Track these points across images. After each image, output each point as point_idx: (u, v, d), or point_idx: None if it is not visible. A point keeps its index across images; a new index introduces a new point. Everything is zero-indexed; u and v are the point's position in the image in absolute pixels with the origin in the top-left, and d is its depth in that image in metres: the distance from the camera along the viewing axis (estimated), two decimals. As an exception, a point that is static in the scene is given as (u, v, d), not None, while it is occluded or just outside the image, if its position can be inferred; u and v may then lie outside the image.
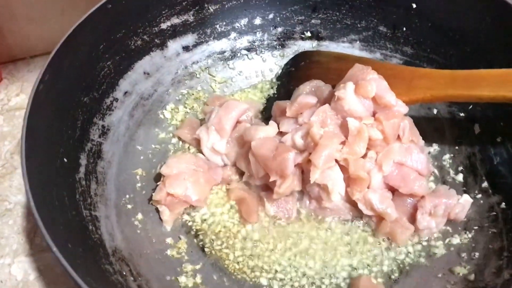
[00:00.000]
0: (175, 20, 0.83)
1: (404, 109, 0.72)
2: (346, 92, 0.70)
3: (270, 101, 0.87)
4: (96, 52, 0.74)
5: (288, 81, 0.88)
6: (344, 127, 0.71)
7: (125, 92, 0.79)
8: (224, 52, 0.90)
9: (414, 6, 0.83)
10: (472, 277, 0.66)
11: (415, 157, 0.72)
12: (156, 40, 0.82)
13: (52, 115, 0.65)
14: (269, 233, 0.73)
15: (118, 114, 0.78)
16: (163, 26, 0.82)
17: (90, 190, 0.68)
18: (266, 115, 0.84)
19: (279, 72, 0.92)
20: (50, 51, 0.67)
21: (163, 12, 0.81)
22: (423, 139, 0.77)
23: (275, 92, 0.89)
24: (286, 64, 0.92)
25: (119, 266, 0.63)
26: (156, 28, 0.82)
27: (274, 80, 0.91)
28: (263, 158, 0.71)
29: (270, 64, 0.92)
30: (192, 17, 0.85)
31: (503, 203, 0.71)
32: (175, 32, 0.84)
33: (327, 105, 0.73)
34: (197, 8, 0.85)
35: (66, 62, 0.68)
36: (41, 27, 0.95)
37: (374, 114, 0.72)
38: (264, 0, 0.88)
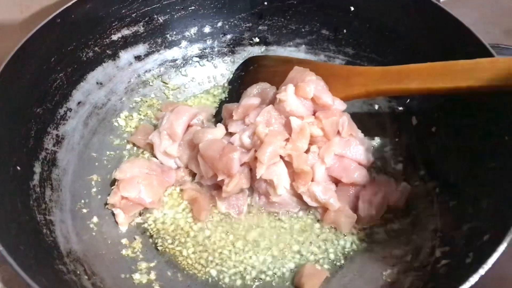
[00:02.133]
0: (126, 32, 0.87)
1: (342, 106, 0.77)
2: (287, 94, 0.75)
3: (222, 105, 0.90)
4: (47, 65, 0.77)
5: (239, 85, 0.92)
6: (287, 126, 0.75)
7: (79, 102, 0.82)
8: (176, 60, 0.94)
9: (352, 9, 0.88)
10: (409, 258, 0.70)
11: (354, 149, 0.76)
12: (107, 51, 0.86)
13: (4, 126, 0.68)
14: (221, 229, 0.76)
15: (72, 123, 0.80)
16: (114, 37, 0.86)
17: (45, 196, 0.71)
18: (218, 119, 0.88)
19: (230, 77, 0.96)
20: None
21: (113, 24, 0.85)
22: (366, 133, 0.82)
23: (227, 96, 0.93)
24: (236, 69, 0.96)
25: (74, 266, 0.66)
26: (107, 40, 0.85)
27: (226, 84, 0.95)
28: (210, 158, 0.74)
29: (221, 70, 0.96)
30: (142, 28, 0.88)
31: (437, 189, 0.75)
32: (126, 43, 0.88)
33: (271, 106, 0.77)
34: (146, 19, 0.88)
35: (16, 75, 0.71)
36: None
37: (315, 113, 0.76)
38: (212, 9, 0.92)
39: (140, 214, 0.77)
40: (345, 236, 0.75)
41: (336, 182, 0.77)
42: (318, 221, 0.77)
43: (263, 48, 0.96)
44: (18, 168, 0.68)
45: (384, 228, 0.75)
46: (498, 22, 1.06)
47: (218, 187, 0.78)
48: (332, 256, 0.73)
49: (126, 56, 0.88)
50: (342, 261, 0.73)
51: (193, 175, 0.81)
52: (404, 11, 0.83)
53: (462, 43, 0.76)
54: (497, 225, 0.60)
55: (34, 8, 0.98)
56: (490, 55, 0.70)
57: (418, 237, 0.72)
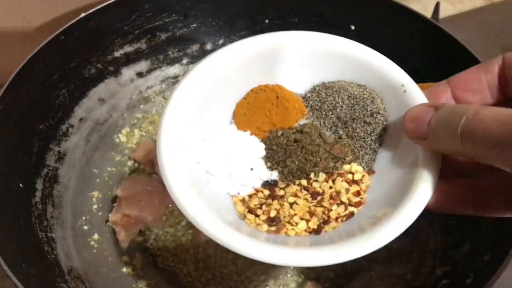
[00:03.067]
0: (128, 48, 0.87)
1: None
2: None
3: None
4: (50, 82, 0.77)
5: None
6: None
7: (81, 119, 0.82)
8: (178, 76, 0.94)
9: (353, 28, 0.89)
10: (409, 276, 0.70)
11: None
12: (110, 68, 0.86)
13: (7, 143, 0.68)
14: (221, 247, 0.75)
15: (74, 139, 0.81)
16: (117, 54, 0.86)
17: (47, 213, 0.71)
18: (218, 135, 0.88)
19: (231, 94, 0.96)
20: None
21: (116, 41, 0.85)
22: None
23: (227, 113, 0.94)
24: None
25: (75, 284, 0.66)
26: (109, 57, 0.85)
27: (226, 101, 0.95)
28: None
29: (222, 87, 0.97)
30: (144, 45, 0.89)
31: (437, 207, 0.76)
32: (129, 59, 0.88)
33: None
34: (149, 36, 0.89)
35: (20, 92, 0.71)
36: (1, 60, 0.98)
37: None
38: (214, 27, 0.93)
39: (141, 232, 0.77)
40: (345, 254, 0.75)
41: (337, 200, 0.78)
42: (319, 239, 0.77)
43: (263, 65, 0.97)
44: (21, 185, 0.68)
45: (384, 247, 0.75)
46: (496, 40, 1.08)
47: (219, 204, 0.78)
48: (332, 274, 0.74)
49: (128, 72, 0.89)
50: (343, 280, 0.73)
51: (194, 192, 0.81)
52: (402, 30, 0.84)
53: (460, 62, 0.76)
54: (497, 245, 0.60)
55: (36, 23, 0.98)
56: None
57: (418, 256, 0.72)
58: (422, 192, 0.45)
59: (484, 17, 1.17)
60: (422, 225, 0.76)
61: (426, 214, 0.76)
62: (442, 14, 1.08)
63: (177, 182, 0.46)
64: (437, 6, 1.03)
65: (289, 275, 0.73)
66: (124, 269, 0.73)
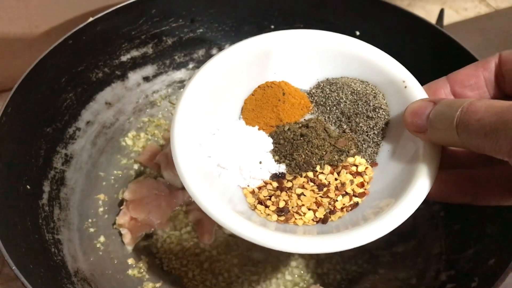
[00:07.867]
0: (135, 53, 0.88)
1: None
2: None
3: (228, 126, 0.92)
4: (58, 85, 0.78)
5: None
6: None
7: (87, 122, 0.83)
8: (184, 81, 0.95)
9: (358, 33, 0.89)
10: (414, 281, 0.70)
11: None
12: (116, 72, 0.87)
13: (15, 145, 0.69)
14: (226, 251, 0.76)
15: (80, 143, 0.81)
16: (123, 58, 0.87)
17: (53, 215, 0.72)
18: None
19: (237, 99, 0.97)
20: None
21: (123, 45, 0.86)
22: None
23: (233, 117, 0.95)
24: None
25: (81, 286, 0.66)
26: (116, 61, 0.86)
27: (232, 105, 0.96)
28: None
29: (228, 91, 0.97)
30: (151, 50, 0.90)
31: (442, 212, 0.76)
32: (135, 64, 0.89)
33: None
34: (155, 41, 0.90)
35: (28, 95, 0.72)
36: (9, 63, 0.99)
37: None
38: (220, 32, 0.94)
39: (146, 235, 0.78)
40: (350, 258, 0.75)
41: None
42: (323, 243, 0.77)
43: (269, 70, 0.98)
44: (28, 187, 0.69)
45: (389, 251, 0.76)
46: (501, 46, 1.08)
47: (224, 207, 0.79)
48: (338, 277, 0.74)
49: (134, 77, 0.90)
50: (347, 283, 0.73)
51: (199, 195, 0.82)
52: (407, 36, 0.85)
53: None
54: (502, 250, 0.60)
55: (43, 27, 0.99)
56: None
57: (423, 260, 0.73)
58: (422, 184, 0.47)
59: (488, 24, 1.17)
60: (426, 229, 0.76)
61: (431, 218, 0.76)
62: (446, 21, 1.09)
63: (191, 175, 0.48)
64: (441, 13, 1.04)
65: (293, 279, 0.74)
66: (130, 271, 0.73)
